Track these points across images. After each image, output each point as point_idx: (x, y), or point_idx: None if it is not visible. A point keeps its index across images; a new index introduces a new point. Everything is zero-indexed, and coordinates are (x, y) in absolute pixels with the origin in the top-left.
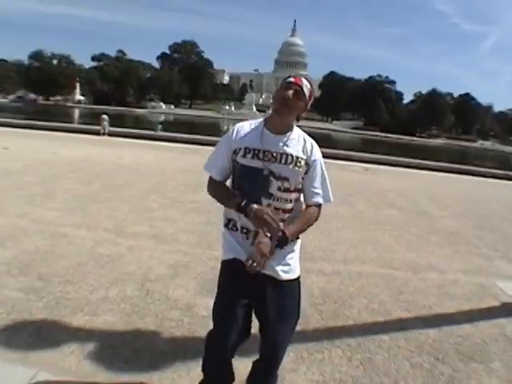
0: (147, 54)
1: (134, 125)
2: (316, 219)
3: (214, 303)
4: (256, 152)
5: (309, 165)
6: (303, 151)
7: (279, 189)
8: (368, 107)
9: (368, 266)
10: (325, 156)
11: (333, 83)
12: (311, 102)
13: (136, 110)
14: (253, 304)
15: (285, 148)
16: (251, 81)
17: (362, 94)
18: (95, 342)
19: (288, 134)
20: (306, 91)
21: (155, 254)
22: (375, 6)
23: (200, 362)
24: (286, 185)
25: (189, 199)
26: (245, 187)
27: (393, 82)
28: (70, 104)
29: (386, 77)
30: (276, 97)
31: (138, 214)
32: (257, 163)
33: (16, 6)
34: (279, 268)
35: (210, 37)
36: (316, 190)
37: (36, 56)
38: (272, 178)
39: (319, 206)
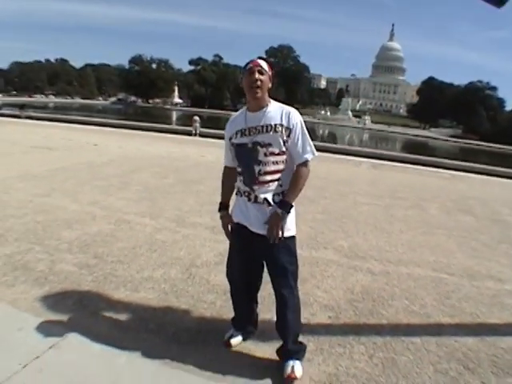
0: (243, 58)
1: (220, 126)
2: (307, 176)
3: (227, 262)
4: (243, 131)
5: (289, 129)
6: (281, 119)
7: (265, 154)
8: (467, 114)
9: (421, 268)
10: (416, 162)
11: (431, 89)
12: (273, 72)
13: (232, 113)
14: (259, 256)
15: (264, 120)
16: (347, 86)
17: (462, 100)
18: (128, 313)
19: (265, 108)
20: (265, 66)
21: (207, 243)
22: (478, 8)
23: (220, 339)
24: (271, 149)
25: None
26: (241, 161)
27: (494, 88)
28: (167, 106)
29: (487, 83)
30: (246, 84)
31: (202, 207)
32: (245, 139)
33: (119, 13)
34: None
35: (307, 42)
36: (302, 149)
37: (136, 60)
38: (258, 148)
39: (306, 162)
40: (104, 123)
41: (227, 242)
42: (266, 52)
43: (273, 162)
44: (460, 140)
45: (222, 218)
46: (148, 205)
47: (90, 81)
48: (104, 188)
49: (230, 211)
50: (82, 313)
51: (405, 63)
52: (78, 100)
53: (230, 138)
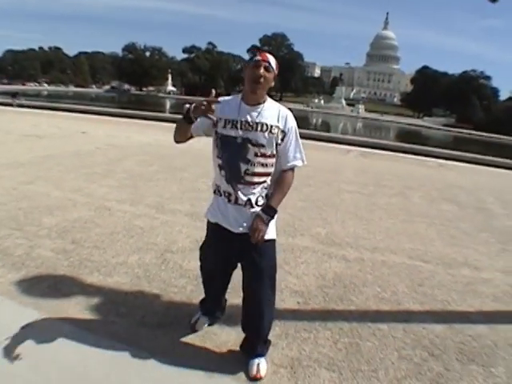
0: (238, 46)
1: None
2: (292, 182)
3: (201, 247)
4: (234, 122)
5: (284, 132)
6: (278, 120)
7: (256, 154)
8: (461, 104)
9: (397, 256)
10: (405, 151)
11: (425, 78)
12: (277, 72)
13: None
14: (236, 259)
15: (260, 118)
16: (341, 74)
17: (456, 89)
18: (100, 297)
19: (261, 105)
20: (273, 64)
21: (185, 229)
22: None
23: (185, 325)
24: (263, 150)
25: None
26: (225, 154)
27: (488, 78)
28: (161, 94)
29: (482, 72)
30: (249, 77)
31: (183, 194)
32: (234, 132)
33: (113, 1)
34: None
35: (302, 30)
36: (293, 155)
37: (129, 48)
38: (249, 145)
39: (293, 169)
40: (95, 111)
41: (204, 228)
42: (260, 40)
43: (262, 164)
44: (453, 129)
45: (190, 108)
46: (130, 192)
47: (83, 69)
48: (88, 175)
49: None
50: (55, 296)
51: (399, 52)
52: (72, 88)
53: (217, 122)
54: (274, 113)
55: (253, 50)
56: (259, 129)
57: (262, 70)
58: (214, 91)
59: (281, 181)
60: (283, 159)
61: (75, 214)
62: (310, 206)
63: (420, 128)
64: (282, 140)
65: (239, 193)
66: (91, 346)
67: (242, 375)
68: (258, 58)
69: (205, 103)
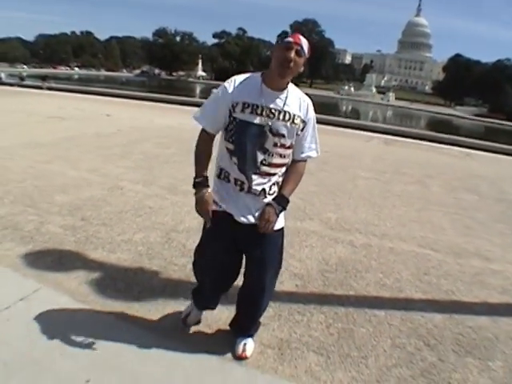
0: (268, 32)
1: None
2: (303, 172)
3: (199, 245)
4: (255, 107)
5: (305, 122)
6: (300, 109)
7: (275, 145)
8: (494, 93)
9: (406, 244)
10: (429, 139)
11: (458, 66)
12: (308, 56)
13: None
14: (239, 250)
15: (283, 105)
16: (371, 61)
17: (489, 78)
18: (100, 272)
19: (285, 91)
20: (306, 48)
21: (194, 210)
22: None
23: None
24: (283, 141)
25: None
26: (240, 142)
27: None
28: (191, 79)
29: None
30: (277, 59)
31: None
32: (255, 118)
33: None
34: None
35: (332, 16)
36: (308, 145)
37: (160, 33)
38: (269, 134)
39: (306, 160)
40: (122, 94)
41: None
42: (291, 26)
43: (280, 155)
44: (485, 119)
45: (201, 197)
46: (144, 173)
47: (114, 53)
48: (106, 156)
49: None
50: (57, 269)
51: (432, 39)
52: (103, 72)
53: (233, 107)
54: (296, 101)
55: (284, 32)
56: (281, 117)
57: (292, 54)
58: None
59: (294, 170)
60: (298, 149)
61: (88, 192)
62: (323, 190)
63: (450, 117)
64: (302, 130)
65: (253, 182)
66: (83, 317)
67: (228, 354)
68: (290, 39)
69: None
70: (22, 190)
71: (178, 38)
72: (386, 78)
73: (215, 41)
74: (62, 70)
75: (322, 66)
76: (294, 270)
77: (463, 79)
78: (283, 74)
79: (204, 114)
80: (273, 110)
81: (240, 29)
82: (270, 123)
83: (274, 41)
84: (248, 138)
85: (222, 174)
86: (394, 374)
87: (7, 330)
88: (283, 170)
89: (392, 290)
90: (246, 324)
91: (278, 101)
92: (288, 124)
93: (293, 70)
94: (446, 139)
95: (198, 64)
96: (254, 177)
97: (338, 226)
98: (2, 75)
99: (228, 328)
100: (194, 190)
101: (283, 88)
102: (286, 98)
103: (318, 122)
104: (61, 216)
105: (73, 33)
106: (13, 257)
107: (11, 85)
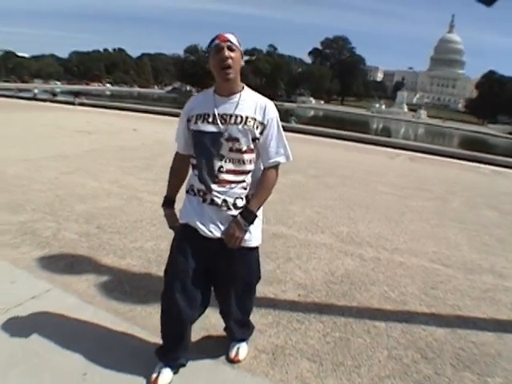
0: (298, 49)
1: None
2: (276, 181)
3: (167, 266)
4: (206, 117)
5: (264, 124)
6: (255, 111)
7: (231, 149)
8: None
9: (417, 258)
10: (457, 157)
11: (491, 83)
12: (242, 49)
13: (285, 103)
14: (207, 267)
15: (235, 109)
16: (403, 78)
17: None
18: (108, 276)
19: (238, 95)
20: (235, 41)
21: None
22: None
23: None
24: (237, 145)
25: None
26: (198, 152)
27: None
28: None
29: None
30: (216, 64)
31: None
32: (207, 127)
33: (174, 4)
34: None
35: (363, 33)
36: (275, 150)
37: (191, 50)
38: (222, 140)
39: (277, 166)
40: (152, 110)
41: None
42: (322, 43)
43: (238, 160)
44: None
45: (166, 216)
46: (164, 184)
47: (146, 70)
48: (127, 169)
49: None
50: (69, 272)
51: (465, 56)
52: (136, 89)
53: (189, 121)
54: (251, 103)
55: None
56: (233, 121)
57: (226, 52)
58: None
59: (263, 180)
60: (264, 155)
61: (106, 202)
62: (340, 204)
63: (483, 135)
64: (261, 133)
65: (213, 192)
66: (88, 317)
67: (223, 357)
68: (217, 41)
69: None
70: (44, 199)
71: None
72: (417, 96)
73: (246, 58)
74: (95, 87)
75: (353, 83)
76: (299, 280)
77: (496, 96)
78: (228, 74)
79: (176, 136)
80: (224, 116)
81: (271, 46)
82: (221, 129)
83: (305, 58)
84: (204, 147)
85: (189, 189)
86: None
87: (16, 325)
88: (246, 179)
89: (396, 302)
90: (233, 331)
91: (228, 106)
92: (240, 127)
93: (235, 67)
94: (475, 157)
95: None
96: (214, 186)
97: (349, 240)
98: (36, 91)
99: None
100: None
101: (235, 92)
102: (238, 102)
103: (342, 138)
104: (77, 224)
105: (105, 50)
106: (29, 259)
107: (44, 100)
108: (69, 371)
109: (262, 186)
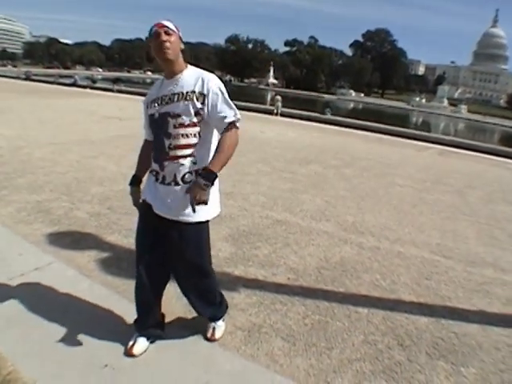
0: (339, 41)
1: (312, 108)
2: (236, 142)
3: (135, 238)
4: (155, 100)
5: (203, 94)
6: (195, 85)
7: (174, 126)
8: None
9: (417, 249)
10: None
11: None
12: (180, 34)
13: (325, 95)
14: (163, 242)
15: (175, 88)
16: (444, 73)
17: None
18: (109, 253)
19: (179, 75)
20: (171, 26)
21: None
22: None
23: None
24: (180, 120)
25: (289, 170)
26: (153, 134)
27: None
28: (261, 86)
29: None
30: (155, 48)
31: (233, 176)
32: (154, 109)
33: None
34: (186, 211)
35: (406, 26)
36: (221, 114)
37: (232, 40)
38: (168, 118)
39: (231, 127)
40: None
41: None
42: (363, 35)
43: (182, 135)
44: None
45: (131, 194)
46: None
47: (186, 58)
48: None
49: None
50: (73, 248)
51: (508, 51)
52: None
53: (146, 108)
54: (190, 79)
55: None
56: (175, 99)
57: (163, 36)
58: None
59: (220, 142)
60: (215, 121)
61: (121, 186)
62: (352, 195)
63: None
64: (203, 103)
65: (165, 170)
66: (84, 288)
67: (200, 333)
68: (155, 28)
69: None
70: (63, 181)
71: (249, 45)
72: (459, 91)
73: (287, 49)
74: (136, 74)
75: (394, 76)
76: (292, 264)
77: None
78: (165, 55)
79: (144, 124)
80: (165, 97)
81: (312, 37)
82: (165, 108)
83: (346, 50)
84: (154, 129)
85: (150, 169)
86: (354, 368)
87: (16, 293)
88: (194, 153)
89: (385, 291)
90: (198, 310)
91: (170, 87)
92: (181, 103)
93: (174, 48)
94: (506, 152)
95: (269, 71)
96: (166, 163)
97: (353, 229)
98: (77, 77)
99: None
100: None
101: (177, 73)
102: (178, 81)
103: (373, 130)
104: (90, 204)
105: (147, 38)
106: (38, 235)
107: (84, 87)
108: (59, 332)
109: (220, 146)
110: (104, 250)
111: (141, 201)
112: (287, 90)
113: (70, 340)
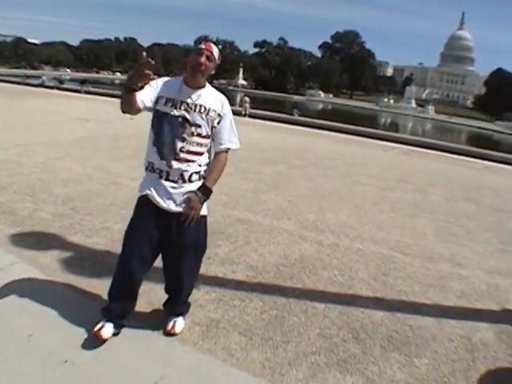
0: (308, 42)
1: (280, 109)
2: (226, 163)
3: (126, 231)
4: (174, 102)
5: (221, 116)
6: (215, 104)
7: (192, 134)
8: None
9: (376, 246)
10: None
11: (499, 81)
12: (219, 62)
13: (294, 96)
14: (159, 236)
15: (197, 99)
16: (411, 74)
17: None
18: (72, 252)
19: (201, 89)
20: (216, 55)
21: None
22: None
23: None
24: (199, 130)
25: (253, 170)
26: (161, 131)
27: None
28: (231, 88)
29: None
30: (191, 62)
31: None
32: (173, 111)
33: None
34: (184, 206)
35: (375, 28)
36: (228, 138)
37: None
38: (186, 125)
39: (227, 150)
40: None
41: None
42: (332, 37)
43: (197, 143)
44: None
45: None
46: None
47: (156, 60)
48: (116, 156)
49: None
50: (36, 248)
51: (474, 53)
52: None
53: (157, 100)
54: (211, 97)
55: (199, 39)
56: (197, 110)
57: (203, 59)
58: (144, 53)
59: (217, 162)
60: (219, 141)
61: (86, 186)
62: (314, 194)
63: (489, 132)
64: (218, 123)
65: (173, 168)
66: (45, 287)
67: (160, 329)
68: (202, 46)
69: (138, 69)
70: (27, 182)
71: (219, 47)
72: (427, 92)
73: (256, 50)
74: (104, 75)
75: (363, 77)
76: (252, 262)
77: (504, 94)
78: (195, 74)
79: (143, 94)
80: (190, 104)
81: (281, 39)
82: (186, 115)
83: (315, 51)
84: (167, 128)
85: (149, 166)
86: (309, 360)
87: None
88: (202, 158)
89: (342, 286)
90: (174, 305)
91: (194, 96)
92: (203, 116)
93: (204, 72)
94: (469, 151)
95: (238, 73)
96: (174, 162)
97: (313, 227)
98: (44, 78)
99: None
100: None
101: (200, 86)
102: (200, 94)
103: (337, 130)
104: (54, 205)
105: (116, 39)
106: (1, 236)
107: (51, 87)
108: (19, 330)
109: (216, 167)
110: (67, 249)
111: (140, 195)
112: (256, 91)
113: (30, 337)
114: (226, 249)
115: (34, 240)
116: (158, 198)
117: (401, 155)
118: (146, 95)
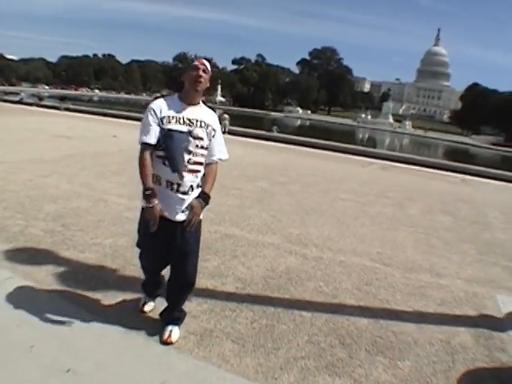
0: (286, 59)
1: (259, 126)
2: (216, 172)
3: (143, 241)
4: (178, 118)
5: (215, 130)
6: (211, 120)
7: (196, 146)
8: (511, 122)
9: (359, 258)
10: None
11: (475, 95)
12: (212, 76)
13: (272, 113)
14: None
15: (198, 115)
16: (388, 90)
17: (506, 107)
18: (66, 267)
19: (199, 105)
20: (208, 67)
21: None
22: None
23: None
24: (201, 143)
25: (236, 187)
26: (170, 147)
27: None
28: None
29: None
30: (191, 78)
31: None
32: (179, 127)
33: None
34: (187, 213)
35: (352, 44)
36: (219, 149)
37: (180, 58)
38: (191, 139)
39: (217, 162)
40: (133, 117)
41: None
42: (310, 53)
43: (201, 154)
44: (501, 148)
45: (153, 208)
46: (132, 188)
47: (135, 76)
48: (101, 173)
49: None
50: (30, 263)
51: (450, 69)
52: (123, 95)
53: (162, 120)
54: (208, 113)
55: (192, 59)
56: (199, 125)
57: (201, 72)
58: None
59: (211, 171)
60: (213, 152)
61: (75, 203)
62: (296, 209)
63: (465, 146)
64: (213, 136)
65: (184, 180)
66: (42, 300)
67: (156, 338)
68: (196, 63)
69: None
70: (16, 199)
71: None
72: (404, 107)
73: (234, 67)
74: (83, 92)
75: (340, 93)
76: (240, 275)
77: (480, 108)
78: (198, 87)
79: (148, 132)
80: (192, 120)
81: (259, 55)
82: (190, 130)
83: (293, 68)
84: (175, 143)
85: (155, 180)
86: (299, 365)
87: None
88: (201, 169)
89: (327, 296)
90: (173, 311)
91: (193, 112)
92: (204, 129)
93: (203, 84)
94: (446, 165)
95: (217, 90)
96: (185, 173)
97: (297, 241)
98: (23, 95)
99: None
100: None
101: (197, 103)
102: (198, 110)
103: (319, 147)
104: (45, 222)
105: (95, 55)
106: None
107: (30, 104)
108: (20, 343)
109: (211, 176)
110: (61, 264)
111: (146, 206)
112: (235, 108)
113: (32, 348)
114: (215, 262)
115: (28, 255)
116: (169, 211)
117: (379, 170)
118: (155, 134)
